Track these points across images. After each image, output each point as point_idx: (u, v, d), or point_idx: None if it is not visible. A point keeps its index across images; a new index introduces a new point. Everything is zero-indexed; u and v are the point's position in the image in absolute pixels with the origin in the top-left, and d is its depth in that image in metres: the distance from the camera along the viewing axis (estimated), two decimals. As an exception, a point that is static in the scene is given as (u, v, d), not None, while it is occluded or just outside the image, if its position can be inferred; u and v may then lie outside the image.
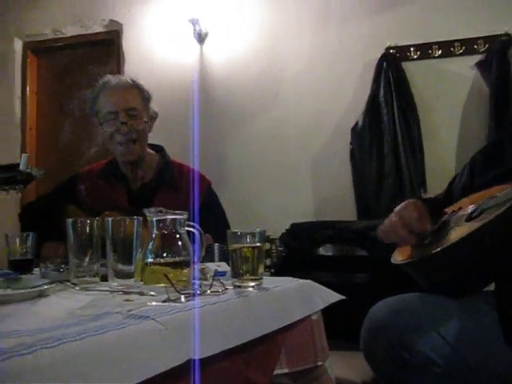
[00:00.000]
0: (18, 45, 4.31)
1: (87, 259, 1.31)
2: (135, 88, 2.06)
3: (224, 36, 3.88)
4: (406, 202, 1.58)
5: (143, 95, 2.07)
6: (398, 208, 1.56)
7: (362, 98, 3.59)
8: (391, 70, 3.56)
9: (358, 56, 3.67)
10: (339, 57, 3.70)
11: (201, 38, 3.89)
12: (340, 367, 1.79)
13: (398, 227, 1.51)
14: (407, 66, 3.59)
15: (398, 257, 1.58)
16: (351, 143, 3.62)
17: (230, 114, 3.81)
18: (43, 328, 0.83)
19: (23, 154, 1.66)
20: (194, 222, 1.32)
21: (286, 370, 1.36)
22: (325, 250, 2.97)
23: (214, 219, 1.95)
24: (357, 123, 3.60)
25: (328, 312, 1.50)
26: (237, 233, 1.27)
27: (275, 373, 1.32)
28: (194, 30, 3.87)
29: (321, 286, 1.50)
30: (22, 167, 1.61)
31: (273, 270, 1.36)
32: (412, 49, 3.59)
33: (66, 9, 4.22)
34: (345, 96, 3.68)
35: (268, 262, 1.34)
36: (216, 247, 1.57)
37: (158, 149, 2.20)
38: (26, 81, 4.23)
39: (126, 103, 2.01)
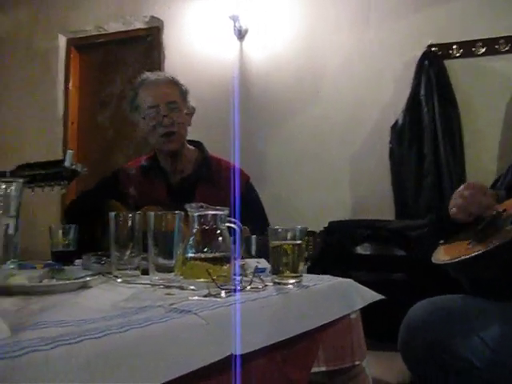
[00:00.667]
0: (62, 41, 4.39)
1: (128, 252, 1.32)
2: (173, 83, 2.13)
3: (264, 33, 3.87)
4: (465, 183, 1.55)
5: (181, 90, 2.14)
6: (462, 186, 1.52)
7: (402, 96, 3.54)
8: (433, 68, 3.51)
9: (399, 53, 3.62)
10: (379, 54, 3.66)
11: (241, 34, 3.89)
12: (376, 367, 1.78)
13: (478, 195, 1.48)
14: (449, 64, 3.52)
15: (441, 256, 1.55)
16: (390, 142, 3.58)
17: (270, 111, 3.81)
18: (88, 319, 0.84)
19: (68, 151, 1.69)
20: (232, 215, 1.32)
21: (323, 368, 1.36)
22: (362, 249, 2.95)
23: (252, 213, 1.96)
24: (396, 122, 3.55)
25: (365, 311, 1.49)
26: (277, 230, 1.27)
27: (313, 370, 1.32)
28: (234, 26, 3.88)
29: (360, 286, 1.49)
30: (66, 164, 1.65)
31: (309, 263, 1.36)
32: (455, 46, 3.52)
33: (108, 6, 4.28)
34: (385, 94, 3.64)
35: (305, 254, 1.34)
36: (253, 239, 1.57)
37: (197, 144, 2.24)
38: (68, 76, 4.31)
39: (166, 97, 2.08)
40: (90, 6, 4.32)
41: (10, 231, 1.22)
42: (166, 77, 2.15)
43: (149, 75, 2.17)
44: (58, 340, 0.71)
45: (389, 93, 3.62)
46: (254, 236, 1.56)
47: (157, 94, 2.09)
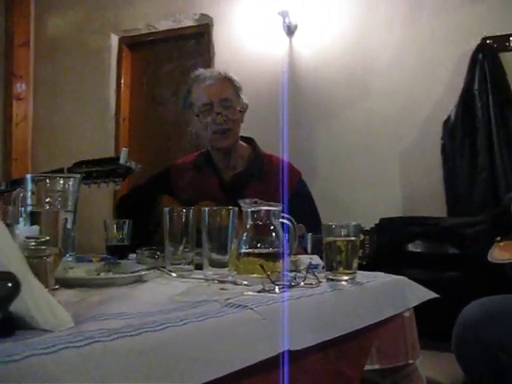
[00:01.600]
0: (114, 40, 4.47)
1: (181, 247, 1.34)
2: (227, 80, 2.13)
3: (313, 28, 3.85)
4: None
5: (235, 86, 2.13)
6: None
7: (455, 90, 3.46)
8: (487, 61, 3.40)
9: (452, 47, 3.53)
10: (431, 47, 3.58)
11: (290, 30, 3.87)
12: (429, 367, 1.75)
13: None
14: (505, 57, 3.41)
15: (498, 255, 1.51)
16: (442, 137, 3.50)
17: (320, 106, 3.78)
18: (146, 312, 0.86)
19: (123, 149, 1.73)
20: (284, 212, 1.32)
21: (376, 366, 1.35)
22: (414, 247, 2.90)
23: (304, 210, 1.96)
24: (449, 117, 3.47)
25: (418, 310, 1.46)
26: (331, 226, 1.26)
27: (366, 368, 1.30)
28: (284, 22, 3.86)
29: (414, 283, 1.46)
30: (121, 161, 1.68)
31: (364, 262, 1.34)
32: (511, 38, 3.41)
33: (159, 4, 4.34)
34: (436, 88, 3.56)
35: (360, 253, 1.32)
36: (309, 237, 1.56)
37: (249, 141, 2.24)
38: (120, 74, 4.39)
39: (220, 94, 2.08)
40: (141, 5, 4.39)
41: (68, 225, 1.25)
42: (219, 73, 2.14)
43: (202, 72, 2.17)
44: (119, 332, 0.72)
45: (441, 87, 3.54)
46: (309, 234, 1.55)
47: (210, 91, 2.09)
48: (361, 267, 1.34)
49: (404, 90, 3.61)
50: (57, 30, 4.73)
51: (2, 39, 4.58)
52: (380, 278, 1.39)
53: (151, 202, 2.06)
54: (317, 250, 1.44)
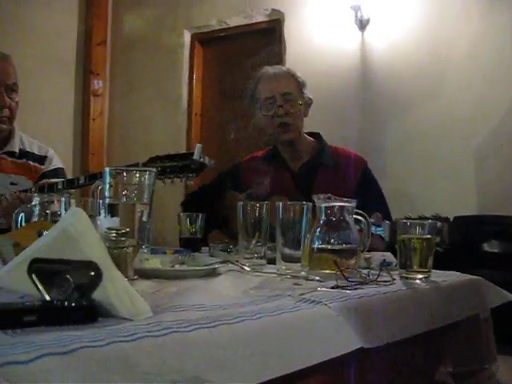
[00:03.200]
0: (187, 37, 4.56)
1: (254, 242, 1.35)
2: (290, 75, 2.20)
3: (386, 22, 3.78)
4: None
5: (298, 81, 2.19)
6: None
7: (536, 85, 3.31)
8: None
9: (533, 40, 3.38)
10: (510, 41, 3.43)
11: (362, 24, 3.82)
12: (505, 373, 1.68)
13: None
14: None
15: None
16: (519, 135, 3.36)
17: (392, 102, 3.71)
18: (222, 304, 0.87)
19: (197, 145, 1.75)
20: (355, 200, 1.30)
21: (449, 369, 1.31)
22: (490, 247, 2.80)
23: (372, 197, 2.03)
24: (527, 114, 3.33)
25: (494, 312, 1.41)
26: (406, 223, 1.23)
27: (438, 371, 1.27)
28: (356, 16, 3.82)
29: (492, 284, 1.41)
30: (195, 156, 1.71)
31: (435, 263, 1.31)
32: None
33: (230, 1, 4.38)
34: (515, 84, 3.42)
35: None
36: (387, 225, 1.54)
37: (315, 135, 2.28)
38: (192, 70, 4.47)
39: (282, 88, 2.15)
40: (213, 1, 4.44)
41: (144, 218, 1.28)
42: (282, 69, 2.24)
43: (268, 69, 2.25)
44: (196, 323, 0.74)
45: (521, 82, 3.40)
46: (387, 222, 1.53)
47: (273, 85, 2.16)
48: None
49: (479, 86, 3.49)
50: (132, 29, 4.86)
51: (82, 38, 4.76)
52: (455, 277, 1.35)
53: (219, 198, 2.11)
54: (395, 238, 1.41)
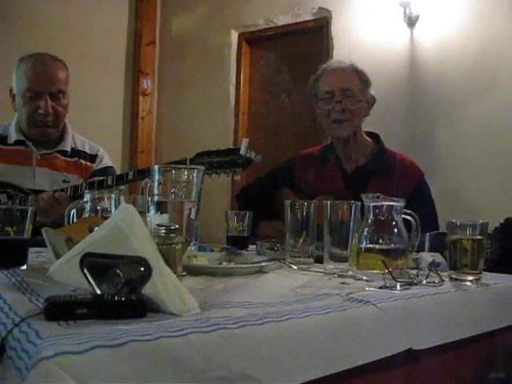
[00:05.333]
0: (234, 36, 4.57)
1: (301, 240, 1.34)
2: (353, 70, 2.13)
3: (436, 18, 3.69)
4: None
5: (361, 78, 2.13)
6: None
7: None
8: None
9: None
10: None
11: (411, 21, 3.75)
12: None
13: None
14: None
15: None
16: None
17: (442, 100, 3.63)
18: (269, 302, 0.87)
19: (244, 139, 1.76)
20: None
21: (502, 375, 1.28)
22: (544, 250, 2.71)
23: (423, 209, 1.87)
24: None
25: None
26: (456, 223, 1.21)
27: (490, 376, 1.24)
28: (405, 13, 3.74)
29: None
30: (242, 151, 1.71)
31: (485, 267, 1.27)
32: None
33: (278, 0, 4.38)
34: None
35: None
36: (427, 237, 1.51)
37: (374, 136, 2.22)
38: (240, 69, 4.48)
39: (342, 83, 2.09)
40: (260, 1, 4.44)
41: (192, 215, 1.29)
42: (346, 64, 2.16)
43: (331, 62, 2.22)
44: (243, 320, 0.74)
45: None
46: (428, 233, 1.50)
47: (334, 79, 2.11)
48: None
49: (536, 81, 3.38)
50: (180, 29, 4.92)
51: (131, 39, 4.84)
52: (508, 280, 1.31)
53: (271, 194, 2.10)
54: (434, 250, 1.39)
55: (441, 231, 1.50)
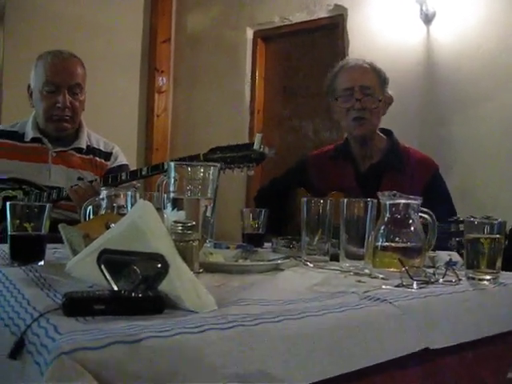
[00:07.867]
0: (250, 34, 4.56)
1: (317, 238, 1.34)
2: (372, 68, 2.12)
3: (453, 15, 3.66)
4: None
5: (379, 76, 2.12)
6: None
7: None
8: None
9: None
10: None
11: (428, 18, 3.72)
12: None
13: None
14: None
15: None
16: None
17: (458, 97, 3.60)
18: (286, 300, 0.87)
19: (257, 134, 1.75)
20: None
21: (518, 376, 1.26)
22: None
23: (436, 202, 1.87)
24: None
25: None
26: (474, 222, 1.20)
27: (509, 376, 1.23)
28: (421, 10, 3.72)
29: None
30: (255, 146, 1.71)
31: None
32: None
33: (293, -3, 4.37)
34: None
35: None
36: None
37: (387, 132, 2.20)
38: (255, 67, 4.47)
39: (362, 81, 2.08)
40: (276, -2, 4.44)
41: (208, 213, 1.29)
42: (365, 62, 2.16)
43: (349, 59, 2.22)
44: (260, 317, 0.74)
45: None
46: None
47: (353, 76, 2.10)
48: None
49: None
50: (196, 27, 4.92)
51: (147, 36, 4.86)
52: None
53: (287, 194, 2.10)
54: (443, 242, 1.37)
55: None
